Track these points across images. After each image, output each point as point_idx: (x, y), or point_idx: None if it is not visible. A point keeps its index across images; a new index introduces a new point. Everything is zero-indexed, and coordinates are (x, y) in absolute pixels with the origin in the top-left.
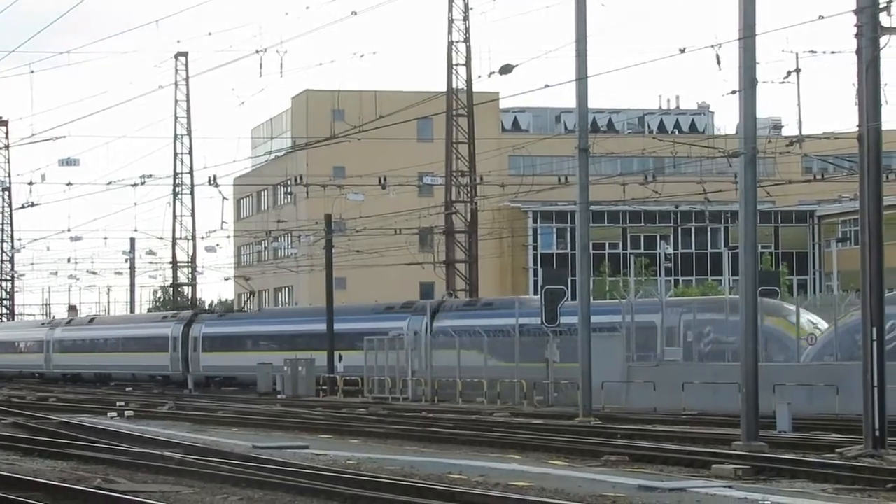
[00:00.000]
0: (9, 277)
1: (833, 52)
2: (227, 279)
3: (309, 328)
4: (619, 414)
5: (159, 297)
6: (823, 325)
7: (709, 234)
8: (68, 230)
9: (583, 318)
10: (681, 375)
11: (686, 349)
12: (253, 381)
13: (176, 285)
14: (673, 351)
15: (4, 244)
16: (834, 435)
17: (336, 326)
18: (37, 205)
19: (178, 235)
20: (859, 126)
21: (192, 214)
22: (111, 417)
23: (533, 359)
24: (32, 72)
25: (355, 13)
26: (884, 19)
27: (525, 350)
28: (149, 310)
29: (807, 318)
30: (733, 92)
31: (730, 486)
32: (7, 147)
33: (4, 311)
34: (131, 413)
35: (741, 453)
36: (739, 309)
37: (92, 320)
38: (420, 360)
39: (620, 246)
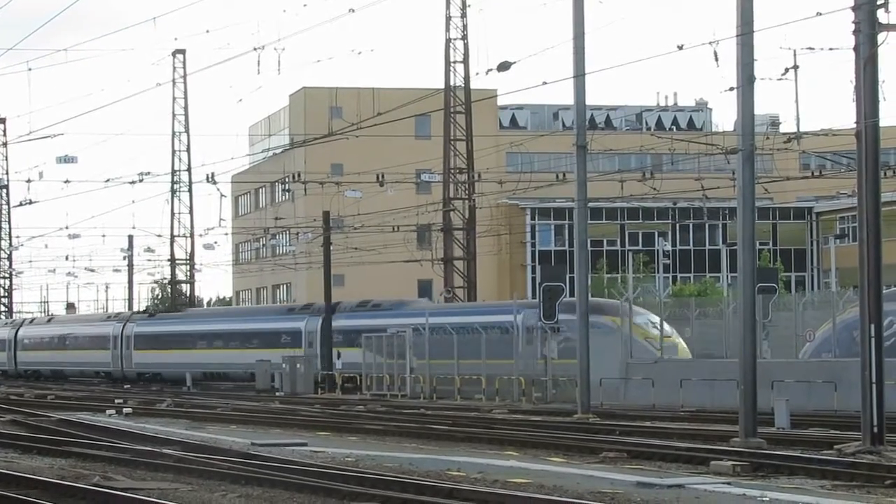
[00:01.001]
0: (7, 275)
1: (831, 49)
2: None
3: (226, 328)
4: (617, 411)
5: (157, 295)
6: (667, 327)
7: (707, 230)
8: (66, 228)
9: (581, 316)
10: (679, 372)
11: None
12: (177, 378)
13: (174, 282)
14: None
15: (2, 242)
16: (832, 431)
17: (239, 326)
18: (35, 202)
19: (176, 233)
20: (857, 123)
21: (191, 212)
22: (109, 415)
23: (440, 355)
24: (30, 69)
25: (353, 10)
26: (881, 16)
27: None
28: (146, 307)
29: (647, 318)
30: (731, 89)
31: (728, 483)
32: (5, 144)
33: (3, 308)
34: (130, 410)
35: (739, 450)
36: (738, 306)
37: (50, 320)
38: (318, 359)
39: (618, 243)
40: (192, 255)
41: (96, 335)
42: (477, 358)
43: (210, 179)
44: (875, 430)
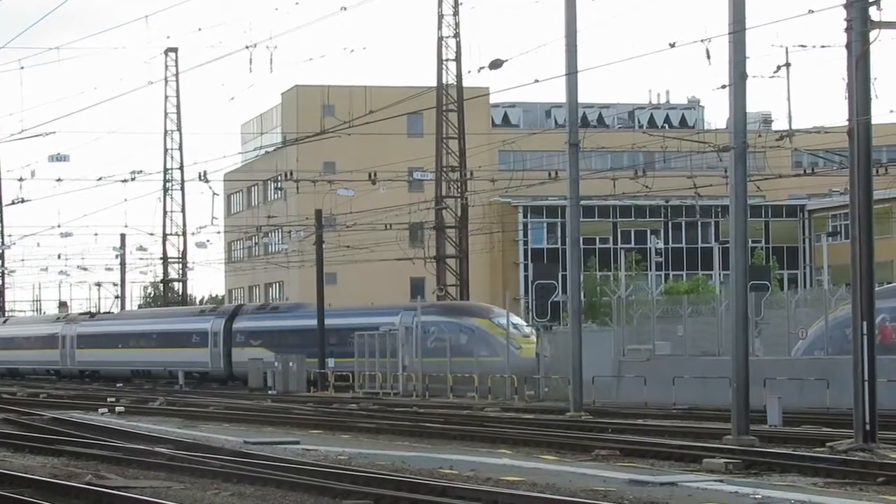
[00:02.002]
0: None
1: (823, 47)
2: None
3: (149, 328)
4: (609, 408)
5: (150, 294)
6: (527, 327)
7: (699, 228)
8: (58, 226)
9: (573, 314)
10: (671, 370)
11: (419, 348)
12: (113, 376)
13: (166, 281)
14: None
15: None
16: (824, 429)
17: (159, 327)
18: (27, 201)
19: (168, 231)
20: (849, 120)
21: (183, 210)
22: (102, 413)
23: (314, 354)
24: (22, 68)
25: (345, 9)
26: (873, 13)
27: (311, 345)
28: (139, 306)
29: (512, 321)
30: (723, 86)
31: (720, 481)
32: None
33: None
34: (122, 409)
35: (732, 447)
36: (731, 304)
37: (6, 321)
38: (220, 358)
39: (611, 241)
40: (184, 253)
41: (46, 335)
42: (360, 356)
43: (202, 178)
44: (867, 427)
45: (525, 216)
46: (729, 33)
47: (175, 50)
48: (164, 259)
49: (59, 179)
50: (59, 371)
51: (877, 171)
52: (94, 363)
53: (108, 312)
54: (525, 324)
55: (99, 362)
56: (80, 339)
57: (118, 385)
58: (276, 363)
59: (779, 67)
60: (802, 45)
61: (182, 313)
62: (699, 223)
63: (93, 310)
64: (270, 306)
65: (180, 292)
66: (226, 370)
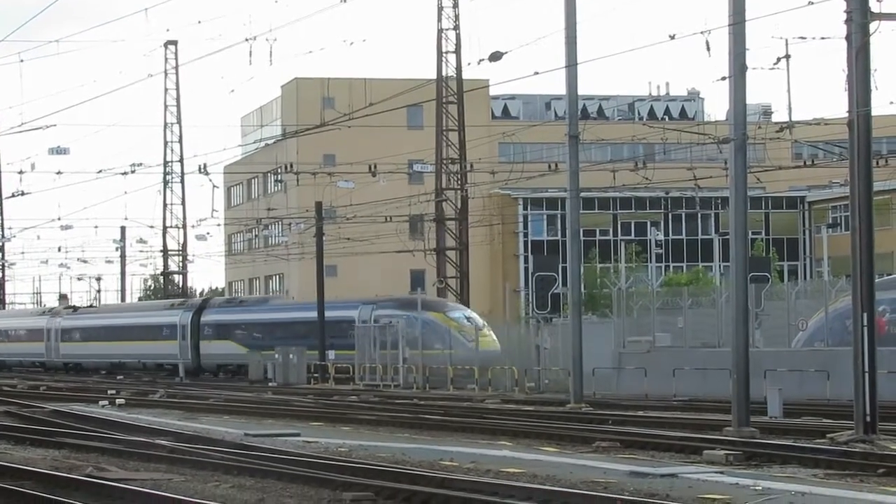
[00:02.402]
0: None
1: (823, 38)
2: None
3: (124, 322)
4: (610, 400)
5: (150, 286)
6: (479, 321)
7: (699, 220)
8: (58, 219)
9: (573, 305)
10: (672, 361)
11: (373, 339)
12: (94, 367)
13: (167, 273)
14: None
15: None
16: (825, 420)
17: (134, 320)
18: (27, 194)
19: (168, 224)
20: (849, 112)
21: (183, 203)
22: (103, 406)
23: (285, 344)
24: (22, 61)
25: (344, 1)
26: (873, 5)
27: (277, 339)
28: (139, 298)
29: (463, 314)
30: (723, 78)
31: (721, 472)
32: None
33: None
34: (123, 401)
35: (732, 439)
36: (731, 296)
37: None
38: (188, 350)
39: (611, 232)
40: (184, 245)
41: (33, 329)
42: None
43: (202, 170)
44: (867, 419)
45: (525, 208)
46: (729, 25)
47: (175, 43)
48: (165, 252)
49: (59, 172)
50: (44, 363)
51: (877, 163)
52: (76, 356)
53: (91, 306)
54: (479, 317)
55: (81, 355)
56: (64, 333)
57: (119, 377)
58: (276, 355)
59: (779, 59)
60: (802, 37)
61: (155, 307)
62: (699, 215)
63: (95, 303)
64: (238, 300)
65: (180, 285)
66: (194, 362)
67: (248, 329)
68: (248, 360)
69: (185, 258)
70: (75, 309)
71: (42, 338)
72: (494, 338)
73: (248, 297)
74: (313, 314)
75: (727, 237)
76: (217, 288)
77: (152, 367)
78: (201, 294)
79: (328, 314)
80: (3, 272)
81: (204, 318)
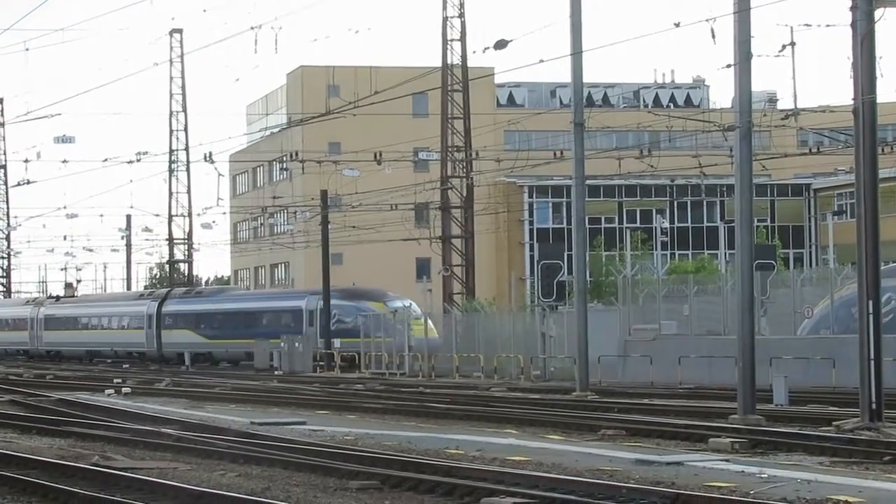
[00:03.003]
0: (5, 255)
1: (828, 26)
2: None
3: (98, 311)
4: (615, 388)
5: (155, 275)
6: (417, 309)
7: (704, 207)
8: (64, 208)
9: (579, 293)
10: (677, 349)
11: (320, 328)
12: (73, 356)
13: (172, 262)
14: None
15: (0, 222)
16: (830, 408)
17: (106, 310)
18: (33, 182)
19: (174, 212)
20: (854, 99)
21: (188, 191)
22: (108, 395)
23: (239, 336)
24: (27, 49)
25: None
26: None
27: (230, 329)
28: (145, 286)
29: (403, 303)
30: (728, 66)
31: (727, 460)
32: (2, 125)
33: (1, 289)
34: (129, 390)
35: (738, 427)
36: (736, 283)
37: None
38: (153, 339)
39: (616, 220)
40: (190, 234)
41: (17, 318)
42: (274, 337)
43: (208, 159)
44: (873, 406)
45: (530, 196)
46: (734, 13)
47: (180, 31)
48: (170, 240)
49: (64, 161)
50: (28, 352)
51: (882, 150)
52: (57, 344)
53: (72, 296)
54: (418, 307)
55: (61, 343)
56: (46, 322)
57: (125, 366)
58: (282, 344)
59: (784, 47)
60: (807, 25)
61: (126, 297)
62: (704, 202)
63: (100, 290)
64: (196, 290)
65: (186, 273)
66: (158, 351)
67: (205, 318)
68: (255, 349)
69: (190, 246)
70: (57, 299)
71: (26, 327)
72: (432, 326)
73: (207, 287)
74: (266, 304)
75: (732, 225)
76: (223, 276)
77: (123, 355)
78: (206, 282)
79: (277, 304)
80: (9, 261)
81: (165, 309)
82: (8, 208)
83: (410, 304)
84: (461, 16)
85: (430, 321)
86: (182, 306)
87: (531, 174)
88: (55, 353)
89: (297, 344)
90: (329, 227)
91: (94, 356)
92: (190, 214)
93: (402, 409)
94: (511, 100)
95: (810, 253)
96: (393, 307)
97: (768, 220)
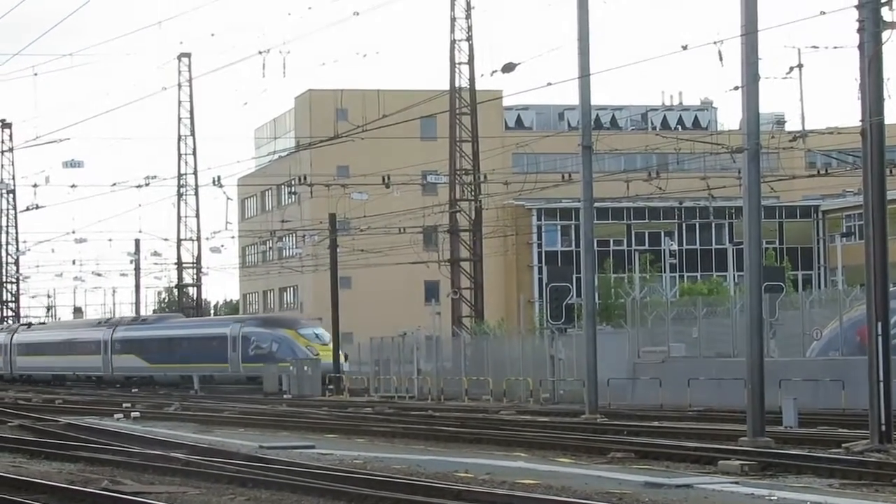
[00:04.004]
0: (14, 280)
1: (835, 48)
2: None
3: (60, 338)
4: (625, 411)
5: (164, 299)
6: (327, 336)
7: (713, 230)
8: (73, 232)
9: (588, 316)
10: (686, 371)
11: (243, 355)
12: (40, 379)
13: (181, 286)
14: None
15: (9, 247)
16: (840, 430)
17: (68, 336)
18: (41, 207)
19: (182, 236)
20: (862, 121)
21: (197, 215)
22: (117, 419)
23: (174, 361)
24: (36, 74)
25: (357, 13)
26: (886, 14)
27: (167, 354)
28: (154, 311)
29: (313, 330)
30: (736, 88)
31: (736, 482)
32: (11, 150)
33: (10, 313)
34: (137, 414)
35: (747, 449)
36: (745, 305)
37: None
38: (107, 364)
39: (625, 243)
40: (198, 258)
41: None
42: (204, 361)
43: (216, 183)
44: (883, 428)
45: (539, 219)
46: (741, 35)
47: (188, 55)
48: (179, 264)
49: (73, 185)
50: (2, 376)
51: (890, 171)
52: (28, 368)
53: (42, 323)
54: (326, 333)
55: (31, 367)
56: (19, 347)
57: (133, 390)
58: (290, 368)
59: (791, 68)
60: (815, 46)
61: (86, 324)
62: (713, 224)
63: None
64: (141, 318)
65: (195, 297)
66: (112, 375)
67: (146, 345)
68: (263, 372)
69: (199, 271)
70: (29, 325)
71: (1, 352)
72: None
73: (151, 315)
74: (197, 331)
75: (741, 247)
76: (231, 300)
77: (83, 378)
78: (215, 307)
79: (206, 331)
80: (18, 285)
81: (115, 336)
82: (17, 233)
83: (321, 330)
84: (469, 39)
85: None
86: (128, 333)
87: (539, 197)
88: (27, 378)
89: (305, 367)
90: (338, 250)
91: (58, 380)
92: (198, 238)
93: (412, 433)
94: (519, 122)
95: (819, 274)
96: (303, 333)
97: (777, 242)
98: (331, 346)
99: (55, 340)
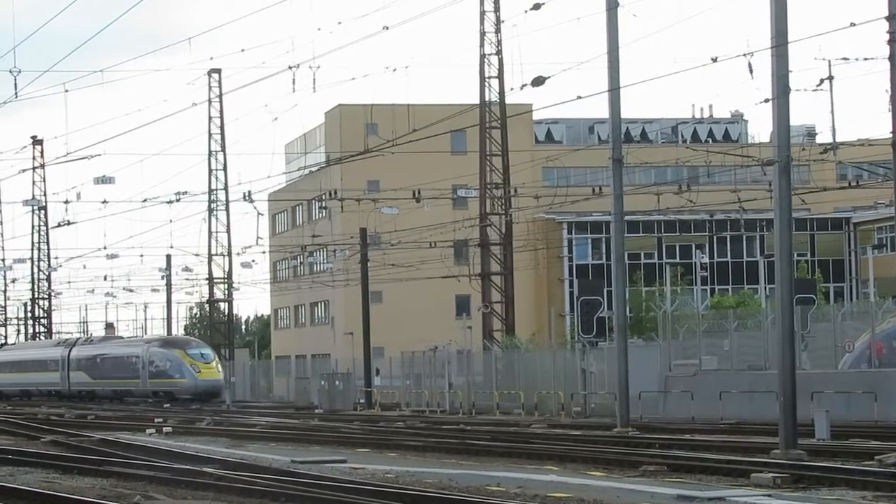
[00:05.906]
0: (46, 296)
1: (866, 59)
2: None
3: (24, 357)
4: (656, 424)
5: (195, 314)
6: (212, 356)
7: (744, 242)
8: (104, 248)
9: (619, 329)
10: (718, 384)
11: (150, 373)
12: (9, 394)
13: (212, 301)
14: (143, 374)
15: (41, 263)
16: (873, 442)
17: (33, 355)
18: (73, 223)
19: (213, 252)
20: (893, 132)
21: (228, 230)
22: (150, 434)
23: (108, 377)
24: (67, 91)
25: (387, 28)
26: None
27: (103, 371)
28: (185, 327)
29: (200, 350)
30: (766, 100)
31: (769, 495)
32: (43, 166)
33: (42, 329)
34: (170, 429)
35: (780, 461)
36: (776, 318)
37: None
38: (64, 380)
39: (656, 256)
40: (229, 273)
41: None
42: (126, 377)
43: (247, 198)
44: None
45: (569, 232)
46: (771, 47)
47: (218, 71)
48: (210, 280)
49: (104, 201)
50: None
51: None
52: (2, 385)
53: (14, 343)
54: (211, 353)
55: (4, 385)
56: None
57: (166, 406)
58: (322, 382)
59: (822, 80)
60: (845, 58)
61: (48, 344)
62: (744, 237)
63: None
64: (89, 338)
65: (226, 313)
66: (69, 390)
67: (88, 363)
68: (295, 387)
69: (230, 286)
70: (2, 346)
71: None
72: (220, 370)
73: (96, 336)
74: (118, 350)
75: (772, 259)
76: (262, 315)
77: (46, 393)
78: (246, 322)
79: (124, 351)
80: (50, 301)
81: (71, 354)
82: (49, 249)
83: (207, 350)
84: (499, 53)
85: (218, 365)
86: (79, 352)
87: (570, 210)
88: (1, 394)
89: (337, 382)
90: (368, 265)
91: (25, 395)
92: (230, 254)
93: (443, 447)
94: (549, 136)
95: (851, 287)
96: (190, 353)
97: (808, 255)
98: (213, 364)
99: (23, 359)
